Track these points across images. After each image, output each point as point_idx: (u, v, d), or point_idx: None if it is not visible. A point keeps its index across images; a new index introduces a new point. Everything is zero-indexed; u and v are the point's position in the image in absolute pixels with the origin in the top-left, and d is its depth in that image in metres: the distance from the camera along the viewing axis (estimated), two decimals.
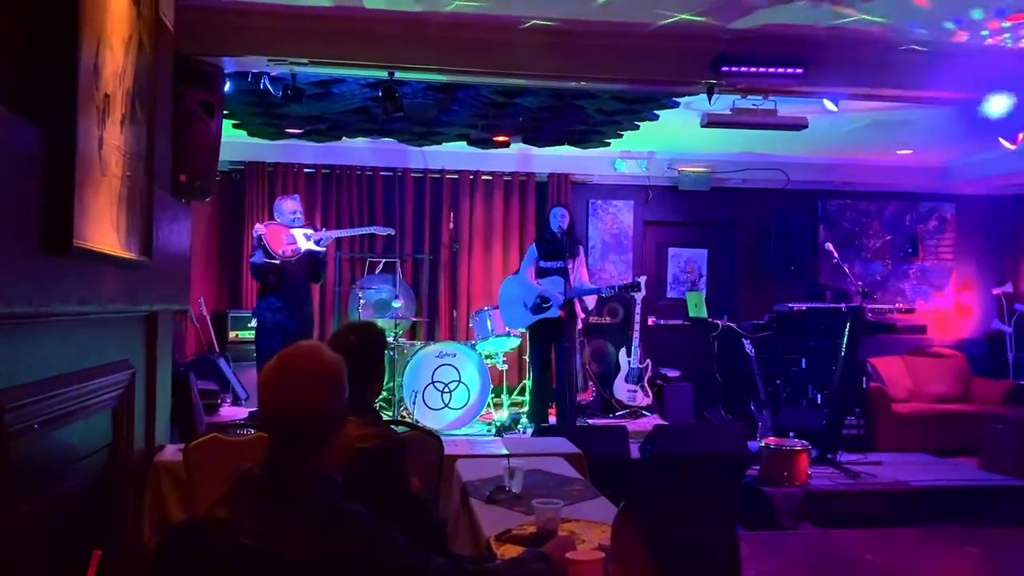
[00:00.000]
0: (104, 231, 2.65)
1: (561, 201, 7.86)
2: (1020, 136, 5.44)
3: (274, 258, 5.77)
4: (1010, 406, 7.22)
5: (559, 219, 6.42)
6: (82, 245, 2.39)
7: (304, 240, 5.89)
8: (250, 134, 7.12)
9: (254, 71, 4.97)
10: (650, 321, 7.84)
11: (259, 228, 5.95)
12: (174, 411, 4.20)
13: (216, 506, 1.67)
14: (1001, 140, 5.57)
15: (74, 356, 2.61)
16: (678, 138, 7.39)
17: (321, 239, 6.00)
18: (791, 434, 6.06)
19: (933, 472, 5.79)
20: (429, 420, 6.33)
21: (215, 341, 7.25)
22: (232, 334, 7.35)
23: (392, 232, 6.90)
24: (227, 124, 6.50)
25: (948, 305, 8.76)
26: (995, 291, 8.51)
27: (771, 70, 4.82)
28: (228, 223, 7.86)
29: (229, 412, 6.13)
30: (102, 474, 2.98)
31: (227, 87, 4.91)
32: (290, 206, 6.02)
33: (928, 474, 5.70)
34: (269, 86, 5.09)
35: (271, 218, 6.16)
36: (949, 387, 7.81)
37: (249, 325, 7.30)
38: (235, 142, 7.21)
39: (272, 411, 1.70)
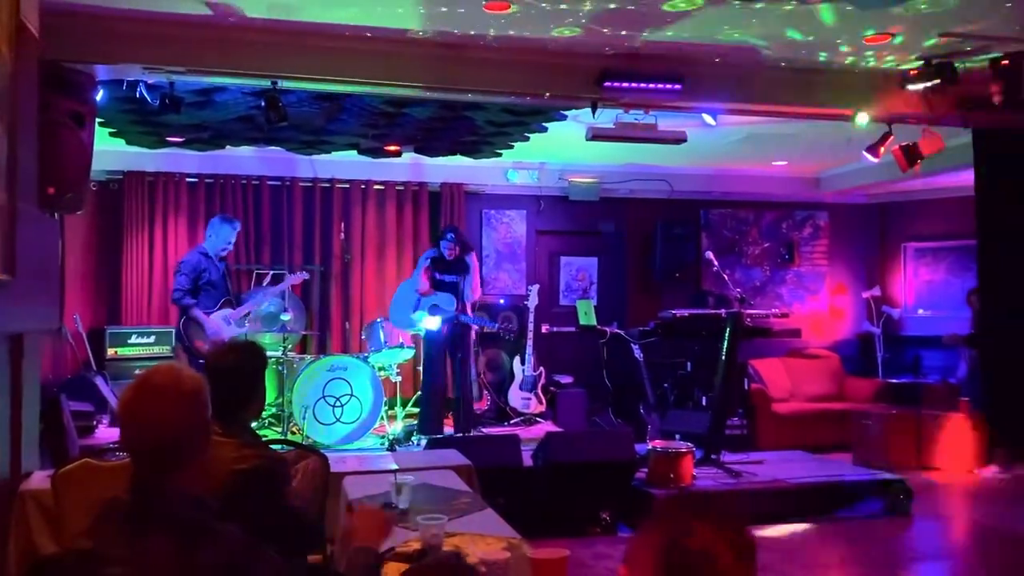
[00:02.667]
0: None
1: (452, 222, 7.92)
2: (881, 150, 5.81)
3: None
4: (879, 403, 7.69)
5: (449, 246, 6.65)
6: None
7: (227, 330, 6.02)
8: (129, 143, 6.84)
9: (129, 79, 4.80)
10: (544, 329, 7.96)
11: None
12: (43, 436, 3.99)
13: (80, 538, 1.62)
14: (865, 153, 5.94)
15: None
16: (568, 149, 7.53)
17: (243, 314, 6.20)
18: (677, 436, 6.25)
19: (810, 468, 6.06)
20: (320, 435, 6.22)
21: (92, 359, 6.92)
22: (111, 351, 7.02)
23: (307, 276, 6.97)
24: (104, 132, 6.23)
25: (823, 308, 9.24)
26: (865, 295, 9.04)
27: (651, 85, 5.00)
28: (106, 235, 7.52)
29: (106, 434, 5.84)
30: None
31: (100, 95, 4.71)
32: (230, 235, 6.16)
33: (805, 471, 5.96)
34: (146, 94, 4.91)
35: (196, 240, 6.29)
36: (825, 387, 8.26)
37: (129, 341, 7.02)
38: (113, 151, 6.92)
39: (133, 433, 1.67)
